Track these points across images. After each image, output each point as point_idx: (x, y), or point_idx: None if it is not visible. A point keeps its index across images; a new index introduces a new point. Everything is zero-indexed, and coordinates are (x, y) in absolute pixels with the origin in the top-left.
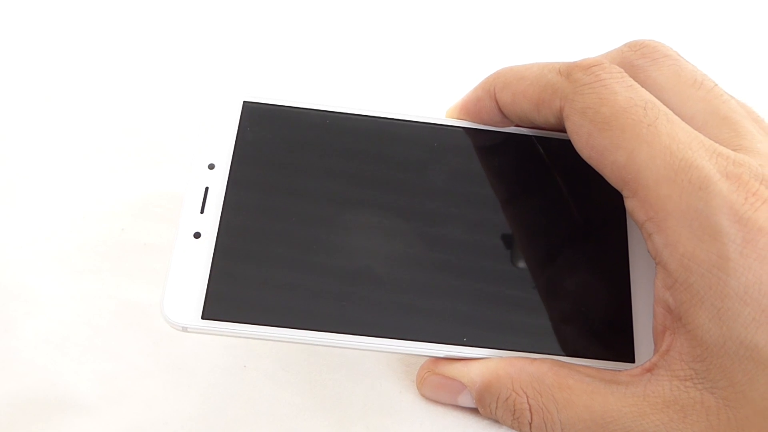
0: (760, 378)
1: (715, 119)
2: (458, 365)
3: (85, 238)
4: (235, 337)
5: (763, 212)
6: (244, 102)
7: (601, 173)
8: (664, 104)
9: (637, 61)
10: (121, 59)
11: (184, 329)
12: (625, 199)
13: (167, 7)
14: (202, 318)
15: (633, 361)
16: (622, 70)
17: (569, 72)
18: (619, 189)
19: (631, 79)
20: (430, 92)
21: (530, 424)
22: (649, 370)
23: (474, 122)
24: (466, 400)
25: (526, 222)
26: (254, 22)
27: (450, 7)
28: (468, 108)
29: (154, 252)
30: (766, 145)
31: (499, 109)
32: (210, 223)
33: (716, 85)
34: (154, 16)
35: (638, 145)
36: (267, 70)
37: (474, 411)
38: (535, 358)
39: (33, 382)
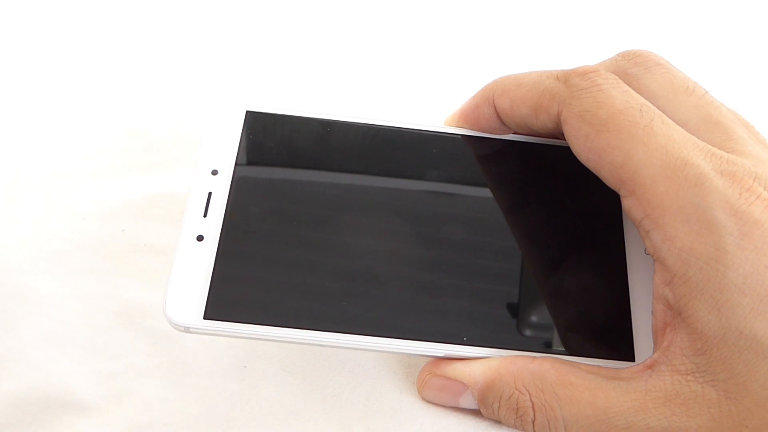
0: (760, 368)
1: (707, 124)
2: (459, 366)
3: (85, 238)
4: (237, 337)
5: (758, 206)
6: (247, 111)
7: (598, 175)
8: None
9: (631, 69)
10: (121, 59)
11: (186, 330)
12: (622, 199)
13: (168, 9)
14: (204, 318)
15: (633, 360)
16: (617, 76)
17: (567, 78)
18: (616, 189)
19: (625, 84)
20: (430, 101)
21: (533, 422)
22: (651, 366)
23: (472, 130)
24: (468, 402)
25: (525, 225)
26: (254, 27)
27: (448, 17)
28: (467, 115)
29: (155, 252)
30: (757, 148)
31: (498, 116)
32: (212, 226)
33: (707, 92)
34: (155, 17)
35: (635, 145)
36: (268, 72)
37: (475, 412)
38: (536, 357)
39: (33, 382)
